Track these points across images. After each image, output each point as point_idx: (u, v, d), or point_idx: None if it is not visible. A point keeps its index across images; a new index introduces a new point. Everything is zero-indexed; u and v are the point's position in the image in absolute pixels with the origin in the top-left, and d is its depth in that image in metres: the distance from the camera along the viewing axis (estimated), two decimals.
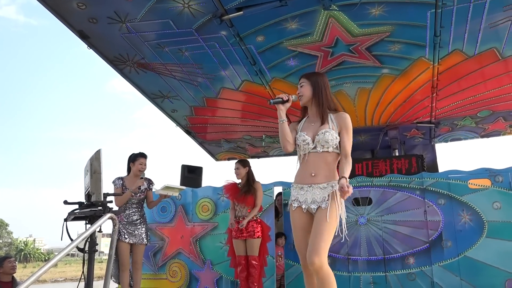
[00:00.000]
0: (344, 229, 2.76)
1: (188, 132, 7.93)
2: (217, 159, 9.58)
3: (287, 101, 3.12)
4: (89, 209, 2.43)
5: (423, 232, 5.80)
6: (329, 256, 5.92)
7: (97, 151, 2.53)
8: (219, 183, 6.78)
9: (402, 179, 6.06)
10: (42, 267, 1.73)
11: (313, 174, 2.81)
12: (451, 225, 5.72)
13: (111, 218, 2.33)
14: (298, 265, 6.15)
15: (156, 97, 6.51)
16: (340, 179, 2.67)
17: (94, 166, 2.44)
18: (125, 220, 5.05)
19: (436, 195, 5.87)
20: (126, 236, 4.97)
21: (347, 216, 3.08)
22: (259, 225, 5.40)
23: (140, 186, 5.11)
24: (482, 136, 8.29)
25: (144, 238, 5.11)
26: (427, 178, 5.99)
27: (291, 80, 5.94)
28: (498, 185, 5.68)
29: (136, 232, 5.06)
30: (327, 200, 2.71)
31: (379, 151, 7.95)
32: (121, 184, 5.14)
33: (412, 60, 5.42)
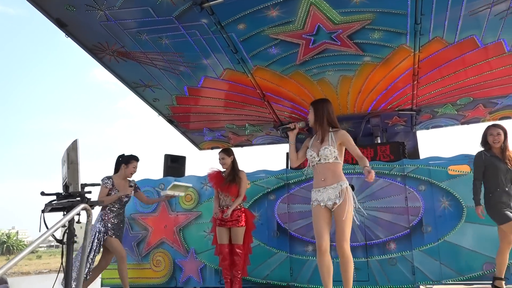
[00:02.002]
0: (356, 216, 3.78)
1: (170, 121, 7.87)
2: (200, 148, 9.54)
3: (294, 128, 3.99)
4: (67, 200, 2.39)
5: (404, 218, 5.88)
6: (311, 243, 6.01)
7: (74, 141, 2.48)
8: (203, 172, 6.78)
9: (383, 166, 6.13)
10: (13, 258, 1.69)
11: (323, 179, 3.72)
12: (431, 211, 5.81)
13: (85, 208, 2.30)
14: (281, 252, 6.20)
15: (137, 86, 6.43)
16: (364, 168, 3.63)
17: (71, 157, 2.40)
18: (112, 220, 5.24)
19: (417, 181, 5.94)
20: (114, 232, 5.18)
21: None
22: (243, 214, 5.41)
23: (128, 194, 5.28)
24: (462, 123, 8.39)
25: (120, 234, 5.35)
26: (408, 165, 6.06)
27: (274, 68, 5.93)
28: None
29: (120, 226, 5.30)
30: (340, 196, 3.60)
31: (361, 138, 8.00)
32: (110, 183, 5.27)
33: (393, 47, 5.44)
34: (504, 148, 4.57)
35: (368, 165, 3.64)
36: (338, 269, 3.78)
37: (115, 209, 5.23)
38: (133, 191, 5.45)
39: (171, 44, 5.26)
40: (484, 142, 4.77)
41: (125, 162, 5.32)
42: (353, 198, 3.70)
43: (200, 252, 6.53)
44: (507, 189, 4.45)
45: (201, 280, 6.48)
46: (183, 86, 6.51)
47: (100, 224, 5.17)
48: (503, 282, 4.37)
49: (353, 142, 3.80)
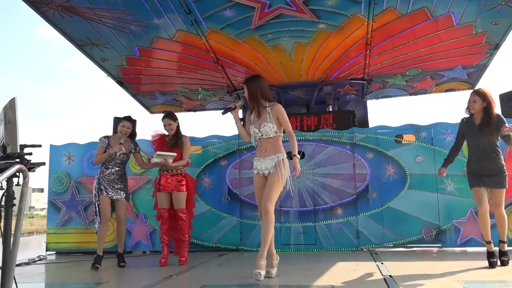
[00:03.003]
0: (290, 184, 3.92)
1: (120, 83, 7.60)
2: (151, 112, 9.32)
3: (235, 107, 4.07)
4: (4, 162, 2.27)
5: (351, 184, 6.08)
6: None
7: (11, 99, 2.34)
8: None
9: (333, 134, 6.25)
10: None
11: (264, 151, 3.93)
12: (377, 178, 6.03)
13: (20, 170, 2.19)
14: (232, 216, 6.27)
15: (84, 45, 6.13)
16: (293, 157, 3.82)
17: (9, 116, 2.26)
18: (107, 177, 5.12)
19: (365, 149, 6.13)
20: (108, 191, 5.08)
21: None
22: (184, 179, 5.33)
23: (117, 152, 5.13)
24: (411, 94, 8.66)
25: (123, 196, 5.18)
26: (357, 133, 6.21)
27: (228, 32, 5.81)
28: (421, 140, 6.02)
29: (116, 188, 5.15)
30: (274, 167, 3.84)
31: (314, 106, 8.10)
32: (107, 143, 5.19)
33: (347, 16, 5.46)
34: (486, 114, 4.25)
35: (297, 152, 3.87)
36: (284, 234, 3.88)
37: (110, 166, 5.16)
38: (131, 145, 5.29)
39: (121, 1, 5.01)
40: (466, 107, 4.43)
41: (117, 122, 5.26)
42: (288, 169, 3.90)
43: (150, 216, 6.48)
44: (481, 156, 4.26)
45: (150, 244, 6.47)
46: (134, 47, 6.27)
47: (95, 181, 5.15)
48: (490, 245, 4.23)
49: (286, 118, 3.96)
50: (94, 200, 5.15)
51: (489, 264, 4.16)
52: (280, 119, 3.93)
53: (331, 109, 7.97)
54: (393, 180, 6.00)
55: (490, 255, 4.20)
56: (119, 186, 5.17)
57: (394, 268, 4.24)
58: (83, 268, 5.13)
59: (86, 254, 6.33)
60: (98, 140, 5.28)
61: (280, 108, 3.96)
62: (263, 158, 3.92)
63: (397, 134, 6.11)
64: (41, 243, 7.48)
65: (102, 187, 5.07)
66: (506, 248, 4.28)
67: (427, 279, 3.65)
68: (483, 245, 5.59)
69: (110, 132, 7.73)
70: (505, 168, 4.23)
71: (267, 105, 3.99)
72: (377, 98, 8.99)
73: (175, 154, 5.14)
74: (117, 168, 5.20)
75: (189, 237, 5.32)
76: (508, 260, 4.23)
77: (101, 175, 5.13)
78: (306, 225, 6.00)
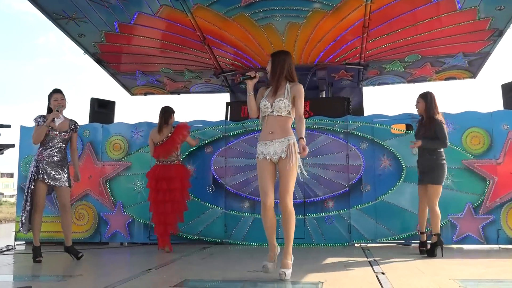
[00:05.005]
0: (303, 171, 3.83)
1: (98, 61, 7.48)
2: (132, 93, 9.23)
3: (254, 77, 3.92)
4: None
5: (344, 176, 6.09)
6: (248, 200, 6.11)
7: None
8: (134, 119, 6.58)
9: (327, 122, 6.24)
10: None
11: (271, 132, 3.79)
12: (371, 170, 6.06)
13: None
14: (216, 207, 6.26)
15: (59, 18, 6.00)
16: (299, 139, 3.69)
17: None
18: (46, 159, 4.82)
19: (359, 139, 6.13)
20: (44, 177, 4.78)
21: None
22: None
23: (54, 118, 4.83)
24: (409, 81, 8.69)
25: (66, 181, 4.92)
26: (351, 122, 6.21)
27: (216, 9, 5.74)
28: None
29: (57, 175, 4.86)
30: (285, 151, 3.71)
31: (306, 91, 7.98)
32: (43, 122, 4.86)
33: None
34: (427, 116, 5.05)
35: (304, 136, 3.74)
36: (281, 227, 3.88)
37: (49, 147, 4.86)
38: (70, 125, 4.97)
39: None
40: None
41: (48, 98, 5.01)
42: (298, 154, 3.79)
43: (128, 206, 6.44)
44: (422, 155, 5.07)
45: (128, 235, 6.43)
46: (114, 22, 6.16)
47: (32, 164, 4.82)
48: (424, 235, 5.13)
49: (303, 100, 3.88)
50: (28, 185, 4.77)
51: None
52: (297, 99, 3.81)
53: (324, 95, 7.96)
54: (388, 172, 6.03)
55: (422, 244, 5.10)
56: (61, 170, 4.89)
57: (387, 265, 4.28)
58: (55, 260, 5.08)
59: (58, 244, 6.26)
60: (33, 121, 4.94)
61: (301, 88, 3.88)
62: (270, 141, 3.78)
63: (394, 123, 6.13)
64: (10, 232, 7.41)
65: (40, 170, 4.77)
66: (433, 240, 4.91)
67: (421, 277, 3.69)
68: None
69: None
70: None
71: (289, 83, 3.90)
72: (374, 85, 9.01)
73: None
74: (58, 149, 4.91)
75: (174, 229, 5.54)
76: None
77: (39, 156, 4.81)
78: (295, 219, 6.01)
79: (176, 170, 5.63)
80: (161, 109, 5.79)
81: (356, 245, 5.96)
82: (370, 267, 4.15)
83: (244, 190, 6.24)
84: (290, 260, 3.69)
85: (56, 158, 4.87)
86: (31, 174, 4.80)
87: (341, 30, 6.34)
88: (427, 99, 5.07)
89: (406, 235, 5.88)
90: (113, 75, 8.22)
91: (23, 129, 6.79)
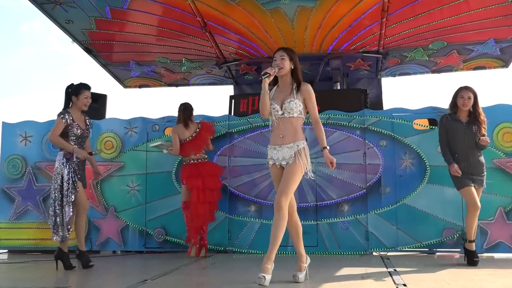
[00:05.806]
0: (310, 174, 4.00)
1: (88, 50, 7.51)
2: (125, 86, 9.25)
3: (270, 75, 3.95)
4: None
5: (361, 176, 6.07)
6: (256, 203, 6.11)
7: None
8: (128, 114, 6.58)
9: (342, 117, 6.22)
10: None
11: (281, 136, 3.92)
12: (391, 170, 6.02)
13: None
14: (218, 212, 6.25)
15: (44, 3, 6.03)
16: (323, 149, 3.97)
17: None
18: (76, 161, 5.02)
19: (378, 135, 6.10)
20: (79, 177, 5.03)
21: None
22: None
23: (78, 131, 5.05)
24: (433, 72, 8.64)
25: (85, 180, 5.20)
26: (369, 116, 6.18)
27: None
28: None
29: (83, 174, 5.13)
30: (293, 157, 3.86)
31: (318, 83, 8.05)
32: (70, 118, 5.02)
33: None
34: (473, 112, 4.99)
35: (326, 144, 3.98)
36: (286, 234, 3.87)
37: (75, 145, 5.04)
38: (87, 122, 5.27)
39: None
40: (453, 103, 5.13)
41: (75, 93, 5.08)
42: (309, 158, 3.97)
43: (122, 210, 6.46)
44: (468, 154, 4.93)
45: (122, 243, 6.44)
46: (105, 7, 6.19)
47: (67, 166, 4.92)
48: (473, 244, 4.89)
49: (314, 101, 3.99)
50: (67, 191, 4.88)
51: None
52: (308, 101, 3.96)
53: (339, 87, 7.93)
54: (410, 173, 5.99)
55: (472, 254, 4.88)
56: (84, 170, 5.16)
57: (409, 275, 4.25)
58: (40, 270, 5.11)
59: (44, 253, 6.30)
60: (58, 116, 5.03)
61: (310, 89, 4.00)
62: (279, 146, 3.93)
63: (416, 118, 6.09)
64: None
65: (76, 171, 4.97)
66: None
67: None
68: None
69: None
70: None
71: (295, 84, 4.01)
72: (394, 76, 8.97)
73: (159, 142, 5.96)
74: (82, 148, 5.14)
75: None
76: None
77: (69, 156, 4.97)
78: (306, 224, 5.96)
79: (211, 168, 5.94)
80: (180, 105, 6.04)
81: (374, 253, 5.94)
82: (390, 278, 4.13)
83: (250, 192, 6.23)
84: (270, 265, 3.69)
85: (79, 160, 5.07)
86: (72, 178, 4.92)
87: (358, 14, 6.32)
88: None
89: (431, 242, 5.84)
90: (105, 65, 8.25)
91: (5, 125, 6.84)
